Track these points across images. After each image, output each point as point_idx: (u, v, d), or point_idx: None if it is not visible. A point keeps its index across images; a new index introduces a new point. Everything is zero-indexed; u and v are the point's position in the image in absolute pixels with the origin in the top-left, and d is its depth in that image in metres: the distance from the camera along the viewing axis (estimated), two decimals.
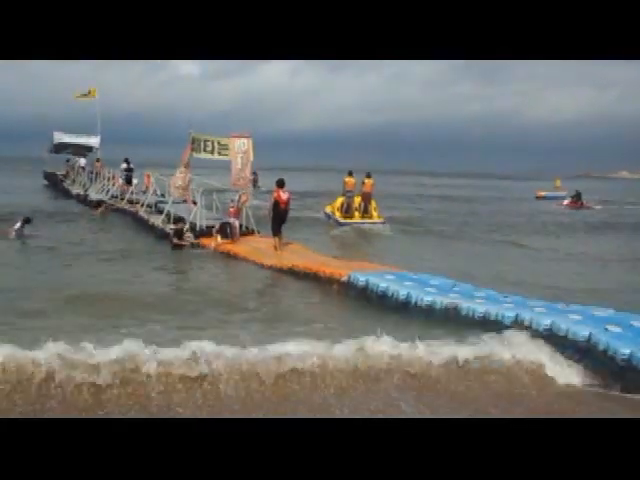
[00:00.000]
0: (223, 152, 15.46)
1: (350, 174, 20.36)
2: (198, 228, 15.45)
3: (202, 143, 15.50)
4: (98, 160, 28.63)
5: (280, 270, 11.75)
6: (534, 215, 30.22)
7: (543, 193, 47.78)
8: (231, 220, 14.87)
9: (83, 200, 24.70)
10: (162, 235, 15.80)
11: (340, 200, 20.38)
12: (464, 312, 8.24)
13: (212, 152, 15.51)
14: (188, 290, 10.72)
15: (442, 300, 8.59)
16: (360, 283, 9.70)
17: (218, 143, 15.47)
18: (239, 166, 15.37)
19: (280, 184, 13.65)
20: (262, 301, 10.09)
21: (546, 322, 7.46)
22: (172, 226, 15.62)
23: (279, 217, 13.51)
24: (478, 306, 8.21)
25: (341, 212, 19.80)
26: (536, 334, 7.40)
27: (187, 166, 15.87)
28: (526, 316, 7.69)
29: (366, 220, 19.92)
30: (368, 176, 20.48)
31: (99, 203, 22.56)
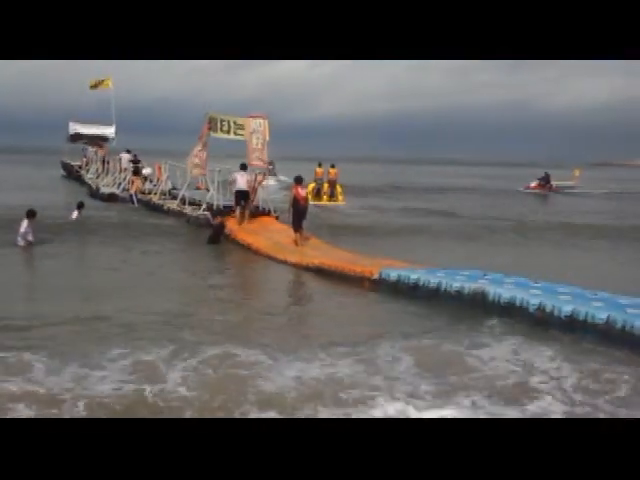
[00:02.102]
0: (239, 132, 15.51)
1: (320, 165, 25.50)
2: (215, 208, 15.63)
3: (219, 122, 15.57)
4: (100, 147, 28.78)
5: (307, 268, 11.39)
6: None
7: (555, 183, 43.62)
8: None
9: (95, 194, 22.76)
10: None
11: (312, 186, 23.89)
12: (490, 297, 8.43)
13: (228, 132, 15.57)
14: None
15: (470, 285, 8.77)
16: (392, 278, 9.74)
17: (234, 123, 15.52)
18: (254, 146, 15.42)
19: (298, 181, 13.68)
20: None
21: (567, 309, 7.60)
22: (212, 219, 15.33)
23: (298, 213, 13.43)
24: (504, 291, 8.39)
25: (312, 195, 22.41)
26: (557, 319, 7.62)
27: (205, 145, 15.99)
28: (549, 303, 7.82)
29: (332, 202, 24.25)
30: (332, 166, 24.81)
31: (110, 196, 21.39)
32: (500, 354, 6.74)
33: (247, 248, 13.33)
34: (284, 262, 11.95)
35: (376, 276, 9.95)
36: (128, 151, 25.26)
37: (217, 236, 14.00)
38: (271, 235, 14.16)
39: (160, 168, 21.81)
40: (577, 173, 54.86)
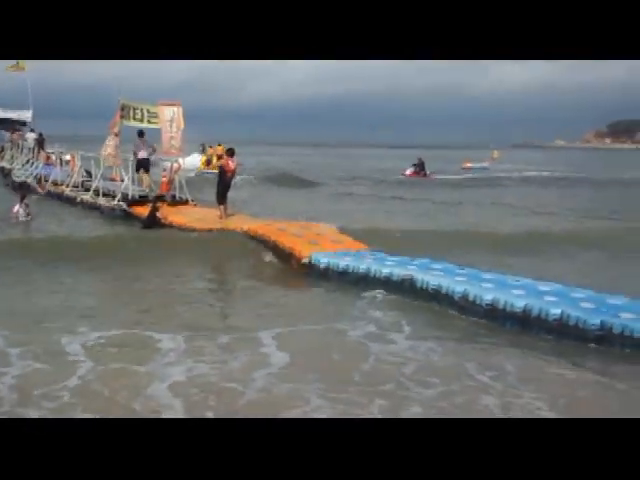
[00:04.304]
0: (153, 120, 15.29)
1: (211, 147, 32.50)
2: (130, 197, 15.37)
3: (131, 110, 15.32)
4: (14, 131, 27.83)
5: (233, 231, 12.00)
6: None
7: (470, 164, 45.61)
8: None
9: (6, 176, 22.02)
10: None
11: (204, 158, 31.68)
12: (419, 284, 8.71)
13: (142, 120, 15.34)
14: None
15: (399, 272, 9.01)
16: (322, 265, 9.90)
17: (147, 111, 15.30)
18: (169, 134, 15.25)
19: (231, 153, 13.68)
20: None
21: (488, 297, 7.85)
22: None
23: (224, 185, 13.51)
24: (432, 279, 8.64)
25: (205, 165, 30.67)
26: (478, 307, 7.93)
27: (117, 134, 15.68)
28: (472, 291, 8.08)
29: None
30: (219, 145, 30.95)
31: (21, 185, 20.41)
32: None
33: (179, 228, 13.38)
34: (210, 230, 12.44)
35: (305, 260, 10.12)
36: (32, 130, 24.90)
37: (151, 220, 13.95)
38: (190, 214, 14.46)
39: (74, 158, 21.10)
40: (495, 155, 56.64)
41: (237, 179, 15.98)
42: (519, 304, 7.53)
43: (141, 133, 15.78)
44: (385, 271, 9.16)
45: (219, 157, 28.33)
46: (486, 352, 6.81)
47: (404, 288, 8.85)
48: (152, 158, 16.15)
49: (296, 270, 10.24)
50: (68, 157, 22.74)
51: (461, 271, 9.12)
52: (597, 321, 6.94)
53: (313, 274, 9.92)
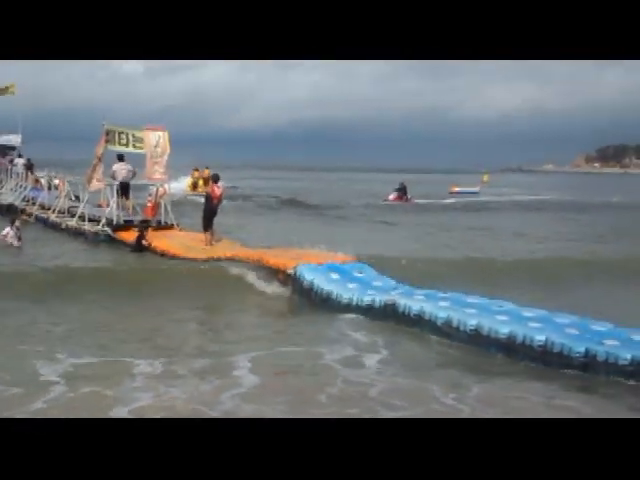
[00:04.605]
0: (138, 145, 15.20)
1: (196, 169, 32.73)
2: (115, 223, 15.21)
3: (117, 135, 15.21)
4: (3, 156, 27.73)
5: (218, 260, 11.77)
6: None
7: (457, 188, 44.97)
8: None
9: None
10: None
11: (190, 181, 32.15)
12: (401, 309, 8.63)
13: (127, 145, 15.23)
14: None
15: (381, 298, 8.95)
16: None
17: (133, 136, 15.20)
18: (154, 159, 15.15)
19: (215, 179, 13.70)
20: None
21: (472, 322, 7.74)
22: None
23: (210, 211, 13.42)
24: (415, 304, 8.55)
25: (191, 188, 30.98)
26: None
27: (101, 159, 15.59)
28: (455, 316, 7.97)
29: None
30: (207, 168, 30.88)
31: (9, 208, 20.34)
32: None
33: (162, 254, 13.31)
34: (194, 260, 12.17)
35: (291, 271, 10.27)
36: (20, 155, 24.84)
37: (139, 244, 13.87)
38: (176, 238, 14.35)
39: (63, 182, 20.95)
40: (485, 178, 57.02)
41: (225, 204, 15.84)
42: (503, 330, 7.40)
43: (121, 157, 15.76)
44: (367, 299, 9.06)
45: (205, 180, 29.30)
46: (457, 375, 6.75)
47: (387, 313, 8.75)
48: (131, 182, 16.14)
49: (283, 282, 10.36)
50: (57, 181, 22.69)
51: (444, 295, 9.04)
52: (582, 349, 6.82)
53: (297, 288, 10.05)
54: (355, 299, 9.18)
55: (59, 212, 18.55)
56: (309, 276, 9.94)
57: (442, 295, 9.00)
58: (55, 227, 17.68)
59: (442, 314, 8.11)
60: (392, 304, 8.79)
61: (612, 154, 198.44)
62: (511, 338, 7.34)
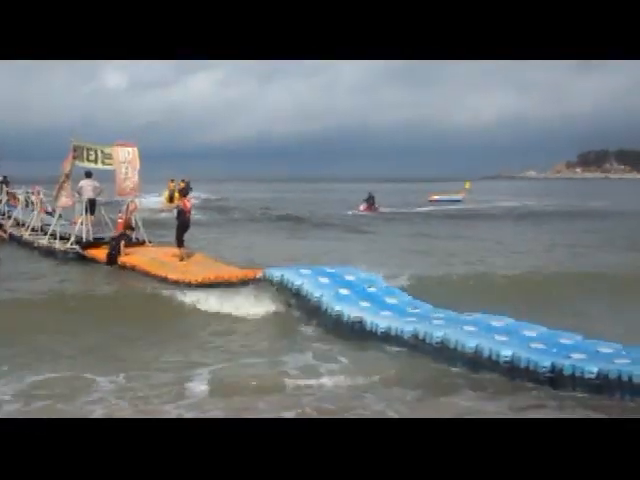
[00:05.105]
0: (107, 161, 14.97)
1: (172, 180, 30.64)
2: (85, 240, 14.96)
3: (85, 152, 14.98)
4: None
5: (189, 285, 11.18)
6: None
7: (436, 197, 45.06)
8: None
9: None
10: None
11: (166, 193, 31.27)
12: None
13: (95, 161, 15.00)
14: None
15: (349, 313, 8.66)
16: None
17: (102, 152, 14.97)
18: (123, 175, 14.93)
19: (185, 193, 13.73)
20: None
21: (438, 334, 7.54)
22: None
23: (183, 226, 13.33)
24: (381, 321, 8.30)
25: (168, 201, 29.99)
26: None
27: (68, 176, 15.38)
28: (422, 330, 7.77)
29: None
30: (182, 180, 30.48)
31: None
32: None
33: (131, 269, 13.11)
34: (164, 279, 11.80)
35: (260, 275, 10.38)
36: None
37: (114, 257, 13.78)
38: (148, 254, 14.02)
39: (39, 197, 20.64)
40: (467, 185, 57.27)
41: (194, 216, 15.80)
42: (470, 344, 7.25)
43: (89, 174, 15.60)
44: (337, 308, 8.83)
45: (180, 192, 29.67)
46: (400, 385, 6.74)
47: (355, 330, 8.55)
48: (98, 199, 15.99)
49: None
50: (34, 197, 22.43)
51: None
52: (548, 363, 6.68)
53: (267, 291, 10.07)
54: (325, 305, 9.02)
55: (32, 230, 18.26)
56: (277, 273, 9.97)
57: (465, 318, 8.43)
58: (28, 245, 17.39)
59: (409, 327, 7.95)
60: (359, 321, 8.55)
61: (593, 159, 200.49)
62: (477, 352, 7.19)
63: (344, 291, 9.36)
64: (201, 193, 42.50)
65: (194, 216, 29.04)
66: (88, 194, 15.40)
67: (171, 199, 29.82)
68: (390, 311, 8.75)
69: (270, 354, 7.91)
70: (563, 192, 63.70)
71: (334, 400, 6.28)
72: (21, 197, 22.27)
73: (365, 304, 9.00)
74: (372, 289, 9.64)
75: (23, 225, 19.02)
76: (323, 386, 6.70)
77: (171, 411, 6.09)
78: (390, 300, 9.28)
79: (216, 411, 6.05)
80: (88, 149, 15.02)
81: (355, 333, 8.48)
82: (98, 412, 6.05)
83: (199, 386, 6.78)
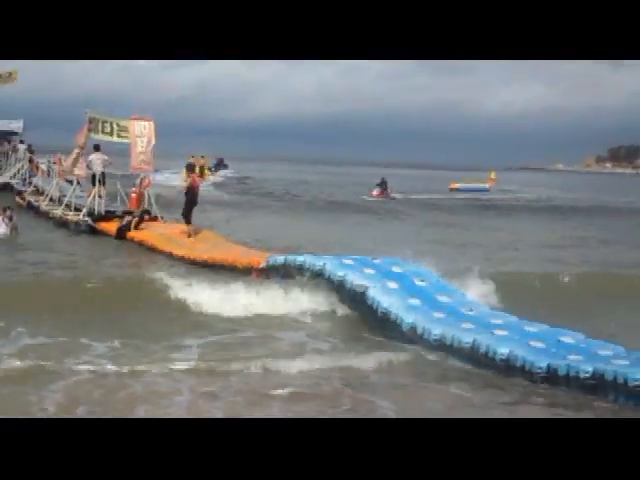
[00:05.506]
0: (122, 134, 14.91)
1: (192, 156, 29.36)
2: (97, 213, 14.90)
3: (100, 124, 14.89)
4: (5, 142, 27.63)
5: (194, 262, 11.17)
6: None
7: (457, 185, 43.38)
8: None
9: None
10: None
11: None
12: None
13: (111, 134, 14.93)
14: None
15: (352, 279, 8.17)
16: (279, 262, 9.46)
17: (117, 125, 14.90)
18: (139, 149, 14.85)
19: (192, 169, 13.79)
20: None
21: (503, 351, 6.62)
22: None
23: (192, 202, 13.30)
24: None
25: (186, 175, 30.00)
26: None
27: (83, 147, 15.34)
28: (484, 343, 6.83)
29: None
30: (202, 157, 30.64)
31: (5, 186, 21.15)
32: None
33: (139, 244, 13.18)
34: (170, 255, 11.82)
35: (263, 264, 9.70)
36: (22, 142, 25.04)
37: (123, 232, 13.81)
38: (158, 229, 14.00)
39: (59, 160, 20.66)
40: (492, 175, 56.52)
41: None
42: (467, 339, 6.82)
43: (97, 147, 15.64)
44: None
45: (201, 168, 30.74)
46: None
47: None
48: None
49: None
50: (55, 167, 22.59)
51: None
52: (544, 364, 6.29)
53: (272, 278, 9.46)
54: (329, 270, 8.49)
55: (50, 199, 18.27)
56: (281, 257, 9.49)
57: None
58: (45, 215, 17.40)
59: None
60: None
61: (624, 155, 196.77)
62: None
63: (392, 284, 8.22)
64: (228, 171, 43.98)
65: (213, 194, 29.79)
66: (97, 167, 15.36)
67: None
68: (443, 312, 7.62)
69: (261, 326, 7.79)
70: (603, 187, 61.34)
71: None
72: (43, 166, 22.43)
73: (415, 301, 7.88)
74: (422, 283, 8.40)
75: (42, 193, 19.10)
76: None
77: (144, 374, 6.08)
78: (443, 298, 8.09)
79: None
80: (104, 121, 14.93)
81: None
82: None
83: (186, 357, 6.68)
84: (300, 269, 8.90)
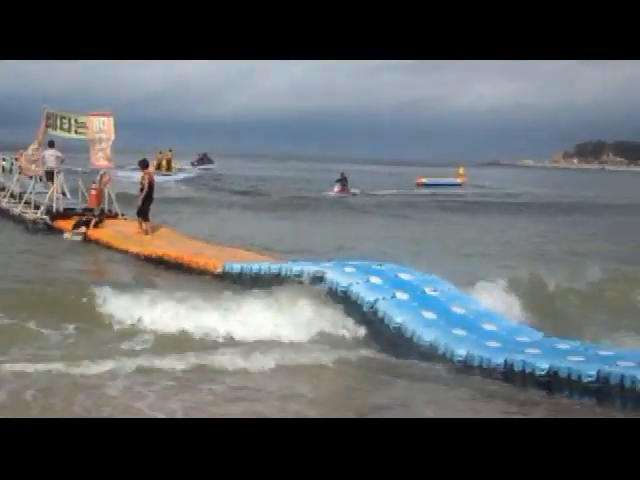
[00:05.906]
0: (80, 130, 14.65)
1: (160, 152, 36.37)
2: (55, 210, 14.66)
3: (58, 120, 14.65)
4: None
5: (149, 259, 11.13)
6: None
7: (424, 180, 43.47)
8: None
9: None
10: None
11: (154, 163, 31.09)
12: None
13: (69, 130, 14.68)
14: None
15: (309, 270, 8.15)
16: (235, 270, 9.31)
17: (75, 121, 14.64)
18: (97, 146, 14.63)
19: (146, 165, 13.63)
20: None
21: (544, 366, 6.06)
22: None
23: (149, 198, 13.19)
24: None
25: (155, 168, 29.29)
26: None
27: (40, 143, 15.10)
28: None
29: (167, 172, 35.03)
30: (170, 150, 37.00)
31: None
32: None
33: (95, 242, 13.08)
34: (125, 252, 11.79)
35: (219, 270, 9.58)
36: None
37: (80, 226, 13.71)
38: (115, 227, 13.87)
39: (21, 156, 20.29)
40: (461, 171, 56.97)
41: None
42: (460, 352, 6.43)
43: (51, 143, 15.50)
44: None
45: (168, 162, 34.92)
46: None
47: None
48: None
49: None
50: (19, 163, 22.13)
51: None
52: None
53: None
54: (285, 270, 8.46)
55: (11, 196, 17.90)
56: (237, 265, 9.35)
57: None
58: (5, 213, 17.04)
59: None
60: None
61: (590, 150, 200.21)
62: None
63: (401, 295, 7.58)
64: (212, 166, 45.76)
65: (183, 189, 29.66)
66: (50, 164, 15.22)
67: (158, 167, 32.46)
68: (463, 328, 6.97)
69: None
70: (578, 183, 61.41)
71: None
72: (4, 163, 21.97)
73: (431, 315, 7.20)
74: (434, 293, 7.74)
75: (3, 189, 18.71)
76: None
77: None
78: (458, 310, 7.43)
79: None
80: (62, 117, 14.69)
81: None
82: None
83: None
84: (256, 277, 8.91)
